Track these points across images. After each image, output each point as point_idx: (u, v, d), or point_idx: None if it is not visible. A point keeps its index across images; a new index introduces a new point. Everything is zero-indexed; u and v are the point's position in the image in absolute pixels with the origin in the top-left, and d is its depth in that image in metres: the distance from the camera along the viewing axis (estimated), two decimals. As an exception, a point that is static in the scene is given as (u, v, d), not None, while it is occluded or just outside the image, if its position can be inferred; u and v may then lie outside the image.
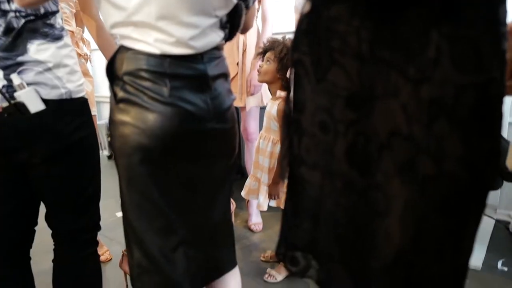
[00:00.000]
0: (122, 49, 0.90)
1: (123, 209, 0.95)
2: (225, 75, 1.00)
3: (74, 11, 1.90)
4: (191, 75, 0.90)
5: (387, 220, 0.55)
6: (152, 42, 0.86)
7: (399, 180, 0.53)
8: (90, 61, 2.11)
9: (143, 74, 0.86)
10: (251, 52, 2.16)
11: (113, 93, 0.90)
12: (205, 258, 1.05)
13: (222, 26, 0.96)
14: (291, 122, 0.67)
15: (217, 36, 0.95)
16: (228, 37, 1.01)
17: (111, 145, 0.98)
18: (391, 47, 0.52)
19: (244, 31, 1.12)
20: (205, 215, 1.03)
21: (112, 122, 0.92)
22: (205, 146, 0.97)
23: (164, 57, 0.87)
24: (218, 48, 0.96)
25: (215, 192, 1.04)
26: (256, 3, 1.10)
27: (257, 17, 2.20)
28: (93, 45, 2.45)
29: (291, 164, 0.69)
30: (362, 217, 0.57)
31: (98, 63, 3.36)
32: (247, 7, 1.03)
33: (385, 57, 0.52)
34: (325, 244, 0.63)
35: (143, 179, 0.91)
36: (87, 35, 2.21)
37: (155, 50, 0.86)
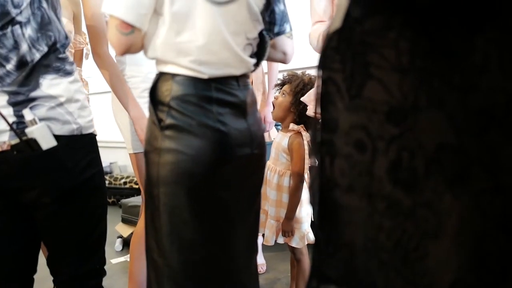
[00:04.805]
0: (166, 75, 0.90)
1: (157, 242, 0.89)
2: (256, 103, 1.01)
3: (73, 51, 1.90)
4: (233, 102, 0.91)
5: (440, 241, 0.50)
6: (196, 66, 0.86)
7: (450, 196, 0.49)
8: (88, 101, 2.09)
9: (191, 99, 0.87)
10: (255, 90, 2.17)
11: (158, 120, 0.89)
12: None
13: (253, 54, 0.99)
14: (320, 143, 0.64)
15: (250, 60, 0.97)
16: (256, 64, 1.02)
17: (148, 174, 0.94)
18: (432, 56, 0.50)
19: None
20: (240, 245, 0.98)
21: (154, 150, 0.90)
22: (242, 173, 0.96)
23: (210, 81, 0.87)
24: (248, 76, 0.98)
25: (248, 221, 1.01)
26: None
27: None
28: (91, 88, 2.44)
29: (321, 189, 0.65)
30: (410, 239, 0.52)
31: (95, 106, 3.36)
32: None
33: (427, 66, 0.50)
34: (365, 273, 0.58)
35: (189, 208, 0.88)
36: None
37: (202, 75, 0.87)
